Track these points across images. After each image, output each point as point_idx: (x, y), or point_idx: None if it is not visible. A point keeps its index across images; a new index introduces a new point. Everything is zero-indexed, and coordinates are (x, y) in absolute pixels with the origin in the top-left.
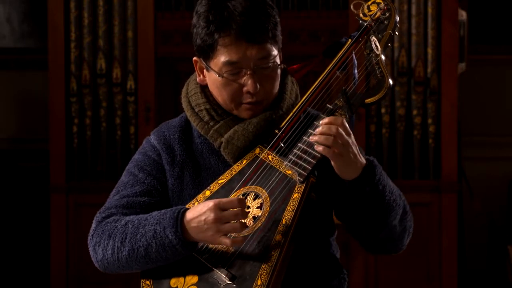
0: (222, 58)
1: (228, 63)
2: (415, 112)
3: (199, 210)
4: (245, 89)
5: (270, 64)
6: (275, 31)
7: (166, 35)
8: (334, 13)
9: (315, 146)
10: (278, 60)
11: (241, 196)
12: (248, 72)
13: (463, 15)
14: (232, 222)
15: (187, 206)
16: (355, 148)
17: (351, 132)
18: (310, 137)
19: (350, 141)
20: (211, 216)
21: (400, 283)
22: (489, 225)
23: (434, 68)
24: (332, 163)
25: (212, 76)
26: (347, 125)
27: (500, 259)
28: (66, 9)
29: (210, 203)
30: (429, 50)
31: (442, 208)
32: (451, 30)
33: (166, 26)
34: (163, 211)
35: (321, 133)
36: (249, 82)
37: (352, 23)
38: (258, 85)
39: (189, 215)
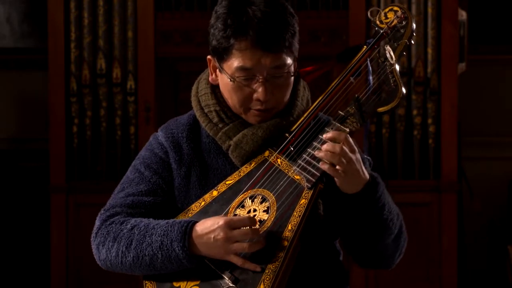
0: (235, 63)
1: (241, 69)
2: (415, 112)
3: (209, 227)
4: (255, 96)
5: (283, 74)
6: (292, 40)
7: (166, 35)
8: (334, 13)
9: (320, 164)
10: (292, 70)
11: (249, 202)
12: (260, 79)
13: (463, 15)
14: (241, 242)
15: (192, 206)
16: (358, 165)
17: (355, 149)
18: (316, 152)
19: (354, 158)
20: (220, 234)
21: (400, 283)
22: (489, 225)
23: (434, 68)
24: (336, 180)
25: (224, 78)
26: (351, 141)
27: (500, 259)
28: (66, 9)
29: (221, 221)
30: (429, 50)
31: (442, 208)
32: (451, 30)
33: (166, 26)
34: (171, 221)
35: (326, 150)
36: (260, 89)
37: (352, 24)
38: (268, 94)
39: (198, 230)
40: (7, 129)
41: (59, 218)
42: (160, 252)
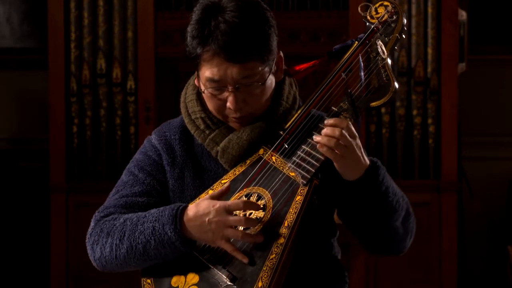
0: (206, 73)
1: (210, 80)
2: (415, 112)
3: (203, 209)
4: (227, 105)
5: (253, 81)
6: (264, 47)
7: (166, 35)
8: (334, 13)
9: (317, 146)
10: (266, 75)
11: (244, 198)
12: (230, 89)
13: (463, 15)
14: (235, 228)
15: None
16: (358, 151)
17: (356, 135)
18: (314, 137)
19: (354, 143)
20: (215, 218)
21: (400, 283)
22: (489, 225)
23: (434, 68)
24: (335, 164)
25: (201, 85)
26: (352, 127)
27: (500, 259)
28: (66, 9)
29: (216, 204)
30: (429, 50)
31: (442, 208)
32: (451, 30)
33: (166, 26)
34: (161, 208)
35: (325, 134)
36: (230, 99)
37: (352, 24)
38: (240, 102)
39: (191, 212)
40: (7, 129)
41: (59, 218)
42: (152, 237)
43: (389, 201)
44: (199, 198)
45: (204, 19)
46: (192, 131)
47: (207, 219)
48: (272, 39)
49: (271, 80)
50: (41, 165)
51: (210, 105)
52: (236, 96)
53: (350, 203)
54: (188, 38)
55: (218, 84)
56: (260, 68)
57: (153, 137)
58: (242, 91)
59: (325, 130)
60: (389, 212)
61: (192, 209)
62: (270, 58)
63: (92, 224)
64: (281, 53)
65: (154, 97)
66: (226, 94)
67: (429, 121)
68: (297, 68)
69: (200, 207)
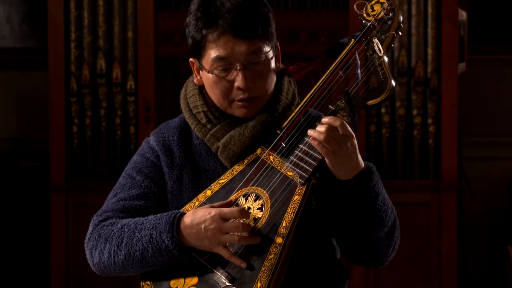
0: (211, 54)
1: (217, 59)
2: (415, 112)
3: (199, 217)
4: (235, 85)
5: (260, 59)
6: (267, 27)
7: (166, 35)
8: (334, 13)
9: (309, 139)
10: (270, 56)
11: (243, 200)
12: (238, 67)
13: (463, 15)
14: (232, 233)
15: (187, 206)
16: (352, 150)
17: (352, 134)
18: (308, 131)
19: (348, 142)
20: (212, 225)
21: (400, 283)
22: (489, 225)
23: (434, 68)
24: (326, 160)
25: (205, 75)
26: (347, 126)
27: (500, 259)
28: (66, 9)
29: (212, 211)
30: (429, 50)
31: (442, 208)
32: (451, 30)
33: (166, 26)
34: (159, 215)
35: (318, 130)
36: (239, 77)
37: (352, 24)
38: (249, 81)
39: (188, 220)
40: (7, 129)
41: (59, 218)
42: (150, 245)
43: (377, 209)
44: (196, 199)
45: (206, 2)
46: (192, 126)
47: (203, 226)
48: (272, 22)
49: (274, 65)
50: (41, 165)
51: (216, 89)
52: (245, 73)
53: (338, 204)
54: (191, 23)
55: (226, 62)
56: (265, 47)
57: (151, 139)
58: (250, 70)
59: (318, 126)
60: (375, 220)
61: (188, 217)
62: (272, 39)
63: (90, 228)
64: (278, 44)
65: (154, 97)
66: (233, 74)
67: (429, 121)
68: (292, 68)
69: (197, 214)
